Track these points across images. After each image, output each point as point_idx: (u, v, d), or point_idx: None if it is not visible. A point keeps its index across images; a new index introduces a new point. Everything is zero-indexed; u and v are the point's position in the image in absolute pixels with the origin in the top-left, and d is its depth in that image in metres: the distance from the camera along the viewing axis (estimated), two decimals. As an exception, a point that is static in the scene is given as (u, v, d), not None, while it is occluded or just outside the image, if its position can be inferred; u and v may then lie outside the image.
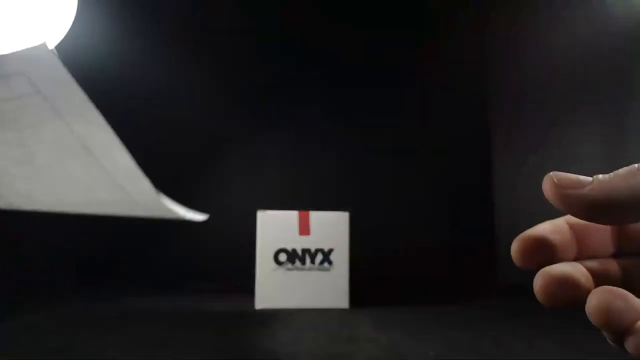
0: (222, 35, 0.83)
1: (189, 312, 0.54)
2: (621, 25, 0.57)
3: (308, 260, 0.57)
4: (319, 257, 0.57)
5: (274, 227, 0.57)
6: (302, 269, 0.57)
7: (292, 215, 0.57)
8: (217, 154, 0.81)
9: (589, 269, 0.21)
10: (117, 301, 0.60)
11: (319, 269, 0.57)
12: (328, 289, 0.56)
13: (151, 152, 0.82)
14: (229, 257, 0.74)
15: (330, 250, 0.57)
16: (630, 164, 0.17)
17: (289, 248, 0.57)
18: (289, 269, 0.56)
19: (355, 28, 0.84)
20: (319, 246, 0.57)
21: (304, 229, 0.57)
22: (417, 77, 0.82)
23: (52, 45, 0.59)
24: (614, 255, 0.22)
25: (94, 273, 0.77)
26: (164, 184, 0.88)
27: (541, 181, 0.25)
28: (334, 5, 0.83)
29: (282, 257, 0.57)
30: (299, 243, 0.57)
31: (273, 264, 0.56)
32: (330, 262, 0.56)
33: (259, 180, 0.80)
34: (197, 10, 0.83)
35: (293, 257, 0.57)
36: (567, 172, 0.19)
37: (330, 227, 0.57)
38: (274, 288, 0.56)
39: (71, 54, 0.70)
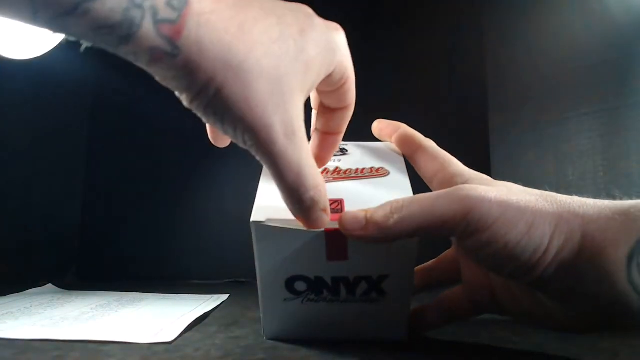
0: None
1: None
2: (619, 22, 0.58)
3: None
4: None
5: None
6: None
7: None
8: (219, 151, 0.81)
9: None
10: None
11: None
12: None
13: (151, 151, 0.83)
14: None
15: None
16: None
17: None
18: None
19: (349, 28, 0.84)
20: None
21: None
22: (414, 76, 0.82)
23: (53, 44, 0.59)
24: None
25: (94, 271, 0.77)
26: (166, 181, 0.88)
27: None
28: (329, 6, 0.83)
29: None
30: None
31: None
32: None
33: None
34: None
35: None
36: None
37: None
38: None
39: (74, 55, 0.70)
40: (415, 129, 0.35)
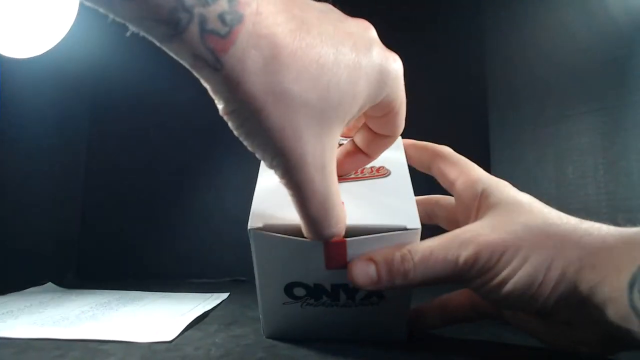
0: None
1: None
2: (619, 22, 0.58)
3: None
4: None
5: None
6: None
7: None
8: (219, 150, 0.81)
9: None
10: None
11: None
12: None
13: (151, 151, 0.83)
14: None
15: None
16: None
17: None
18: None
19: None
20: None
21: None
22: (414, 77, 0.82)
23: (53, 43, 0.59)
24: None
25: (94, 270, 0.77)
26: (166, 180, 0.88)
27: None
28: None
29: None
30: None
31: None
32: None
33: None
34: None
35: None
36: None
37: None
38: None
39: (74, 54, 0.70)
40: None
